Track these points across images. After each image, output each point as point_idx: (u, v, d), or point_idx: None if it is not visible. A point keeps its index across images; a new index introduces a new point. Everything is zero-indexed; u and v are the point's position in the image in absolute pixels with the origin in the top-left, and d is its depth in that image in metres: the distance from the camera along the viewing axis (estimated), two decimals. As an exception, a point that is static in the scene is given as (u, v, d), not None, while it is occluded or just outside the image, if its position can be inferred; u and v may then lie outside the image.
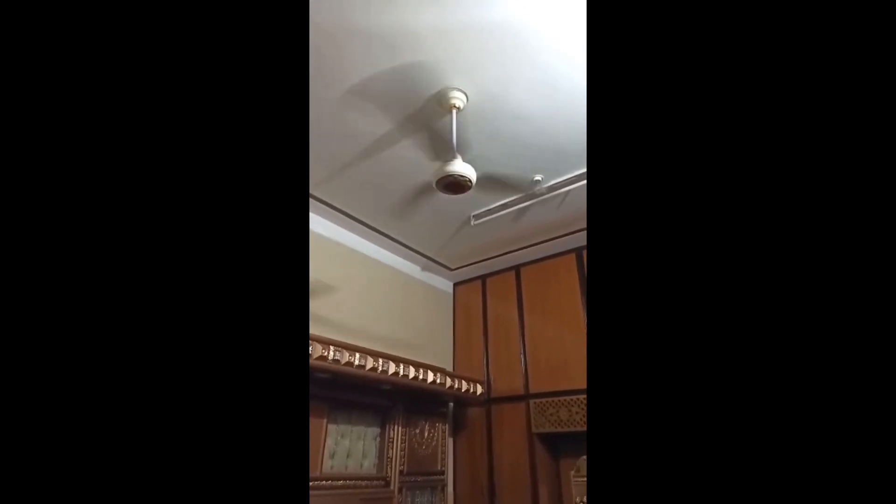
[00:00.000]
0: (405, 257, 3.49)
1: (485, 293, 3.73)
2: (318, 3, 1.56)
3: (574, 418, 2.83)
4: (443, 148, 2.27)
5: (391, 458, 2.70)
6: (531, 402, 3.07)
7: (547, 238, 3.25)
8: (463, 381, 3.05)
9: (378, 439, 2.75)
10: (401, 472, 2.71)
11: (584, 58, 1.77)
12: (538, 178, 2.54)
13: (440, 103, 1.98)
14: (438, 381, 2.81)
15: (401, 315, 3.36)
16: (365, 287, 3.14)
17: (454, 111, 1.98)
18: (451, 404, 3.32)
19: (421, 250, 3.46)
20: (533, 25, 1.65)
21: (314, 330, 2.43)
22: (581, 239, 3.19)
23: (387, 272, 3.38)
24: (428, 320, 3.60)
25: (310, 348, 2.13)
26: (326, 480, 2.35)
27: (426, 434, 2.99)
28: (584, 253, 3.25)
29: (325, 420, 2.44)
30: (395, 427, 2.79)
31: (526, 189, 2.65)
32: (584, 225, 3.06)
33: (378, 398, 2.72)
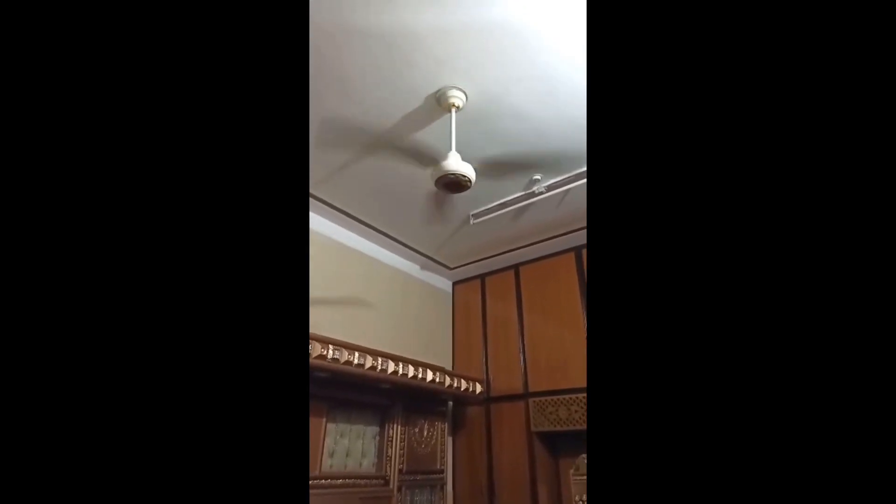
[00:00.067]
0: (404, 256, 3.49)
1: (484, 292, 3.73)
2: (318, 3, 1.55)
3: (573, 417, 2.83)
4: (442, 147, 2.27)
5: (390, 457, 2.71)
6: (530, 400, 3.07)
7: (546, 237, 3.26)
8: (462, 380, 3.05)
9: (377, 438, 2.75)
10: (400, 471, 2.71)
11: (583, 57, 1.77)
12: (537, 177, 2.54)
13: (439, 102, 1.98)
14: (438, 379, 2.82)
15: (400, 314, 3.37)
16: (364, 286, 3.14)
17: (453, 110, 1.98)
18: (451, 403, 3.32)
19: (420, 249, 3.46)
20: (533, 25, 1.65)
21: (313, 329, 2.43)
22: (580, 238, 3.19)
23: (386, 271, 3.38)
24: (427, 319, 3.60)
25: (309, 347, 2.13)
26: (326, 479, 2.35)
27: (425, 433, 2.99)
28: (583, 252, 3.25)
29: (324, 419, 2.44)
30: (395, 426, 2.79)
31: (525, 188, 2.66)
32: (583, 224, 3.06)
33: (377, 397, 2.72)
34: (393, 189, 2.68)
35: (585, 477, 2.69)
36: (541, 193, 2.65)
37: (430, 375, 2.77)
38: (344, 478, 2.45)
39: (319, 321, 2.65)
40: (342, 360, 2.27)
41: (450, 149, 1.96)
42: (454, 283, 3.96)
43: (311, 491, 2.20)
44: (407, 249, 3.40)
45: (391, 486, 2.65)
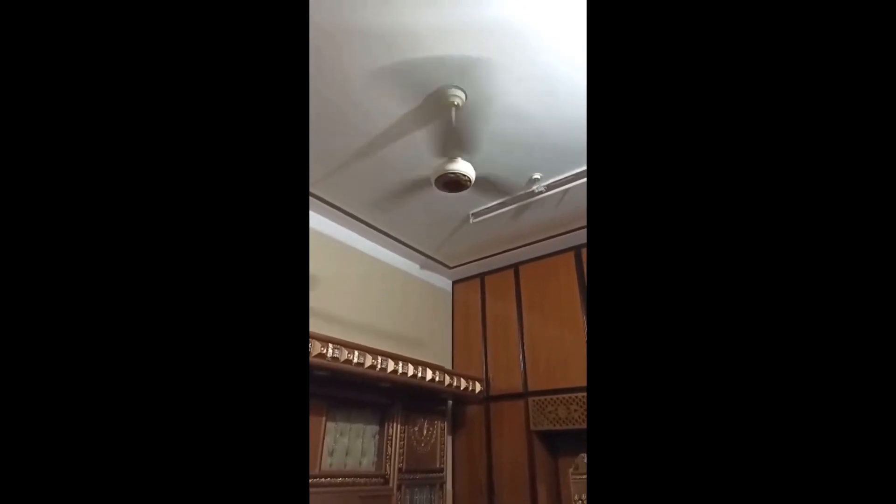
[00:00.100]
0: (404, 255, 3.50)
1: (483, 291, 3.73)
2: (318, 3, 1.55)
3: (572, 416, 2.84)
4: (442, 146, 2.27)
5: (390, 456, 2.71)
6: (530, 399, 3.07)
7: (545, 236, 3.26)
8: (462, 379, 3.06)
9: (377, 437, 2.76)
10: (400, 470, 2.72)
11: (583, 57, 1.77)
12: (537, 176, 2.54)
13: (439, 101, 1.98)
14: (437, 378, 2.82)
15: (400, 313, 3.37)
16: (364, 285, 3.14)
17: (453, 109, 1.98)
18: (450, 402, 3.33)
19: (420, 248, 3.46)
20: (532, 25, 1.65)
21: (313, 327, 2.43)
22: (579, 237, 3.19)
23: (386, 270, 3.38)
24: (427, 318, 3.61)
25: (309, 346, 2.14)
26: (325, 478, 2.35)
27: (425, 432, 3.00)
28: (583, 251, 3.26)
29: (323, 418, 2.44)
30: (394, 425, 2.79)
31: (524, 187, 2.66)
32: (583, 223, 3.06)
33: (377, 396, 2.72)
34: (392, 188, 2.68)
35: (584, 476, 2.70)
36: (540, 193, 2.65)
37: (429, 374, 2.77)
38: (344, 476, 2.45)
39: (319, 320, 2.65)
40: (342, 359, 2.27)
41: (449, 148, 1.97)
42: (454, 282, 3.96)
43: (310, 490, 2.21)
44: (407, 248, 3.41)
45: (391, 485, 2.65)
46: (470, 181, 1.96)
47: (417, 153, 2.36)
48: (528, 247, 3.39)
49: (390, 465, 2.69)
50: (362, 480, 2.54)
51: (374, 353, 2.47)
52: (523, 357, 3.28)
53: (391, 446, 2.73)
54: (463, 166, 1.92)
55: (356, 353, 2.36)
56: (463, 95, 1.95)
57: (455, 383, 2.99)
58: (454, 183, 1.97)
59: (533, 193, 2.67)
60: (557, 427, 2.88)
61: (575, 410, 2.84)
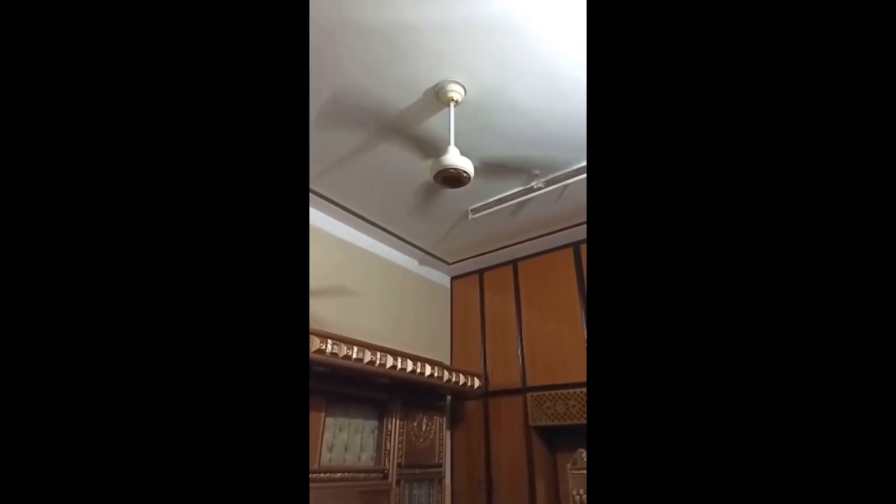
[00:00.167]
0: (403, 251, 3.49)
1: (482, 287, 3.73)
2: (316, 0, 1.55)
3: (571, 411, 2.84)
4: (441, 141, 2.26)
5: (389, 451, 2.72)
6: (528, 395, 3.08)
7: (544, 232, 3.26)
8: (460, 375, 3.06)
9: (376, 432, 2.76)
10: (398, 465, 2.72)
11: (582, 52, 1.77)
12: (536, 171, 2.54)
13: (438, 97, 1.98)
14: (436, 374, 2.82)
15: (398, 309, 3.37)
16: (362, 281, 3.14)
17: (452, 105, 1.97)
18: (449, 397, 3.33)
19: (418, 244, 3.46)
20: (532, 20, 1.64)
21: (312, 324, 2.43)
22: (578, 233, 3.19)
23: (384, 266, 3.38)
24: (425, 314, 3.61)
25: (309, 342, 2.14)
26: (325, 473, 2.36)
27: (424, 427, 3.00)
28: (582, 247, 3.26)
29: (323, 413, 2.44)
30: (393, 420, 2.80)
31: (524, 183, 2.66)
32: (582, 219, 3.07)
33: (376, 391, 2.73)
34: (391, 184, 2.68)
35: (583, 471, 2.71)
36: (539, 188, 2.65)
37: (428, 370, 2.77)
38: (343, 472, 2.46)
39: (318, 316, 2.65)
40: (341, 355, 2.27)
41: (448, 143, 1.96)
42: (452, 278, 3.96)
43: (310, 485, 2.21)
44: (405, 244, 3.40)
45: (390, 480, 2.66)
46: (469, 177, 1.96)
47: (416, 149, 2.35)
48: (526, 243, 3.39)
49: (389, 461, 2.70)
50: (361, 475, 2.54)
51: (374, 348, 2.47)
52: (522, 353, 3.29)
53: (390, 441, 2.74)
54: (462, 162, 1.92)
55: (355, 348, 2.36)
56: (462, 90, 1.95)
57: (454, 379, 2.99)
58: (453, 178, 1.96)
59: (532, 189, 2.67)
60: (556, 422, 2.89)
61: (573, 406, 2.85)
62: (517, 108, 2.08)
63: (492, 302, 3.63)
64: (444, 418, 3.21)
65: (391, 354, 2.56)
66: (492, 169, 2.51)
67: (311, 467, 2.28)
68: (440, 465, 3.04)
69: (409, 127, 2.20)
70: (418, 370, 2.71)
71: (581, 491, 2.68)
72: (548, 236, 3.27)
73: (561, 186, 2.63)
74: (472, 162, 2.00)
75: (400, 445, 2.78)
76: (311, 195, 2.74)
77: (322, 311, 2.72)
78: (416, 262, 3.65)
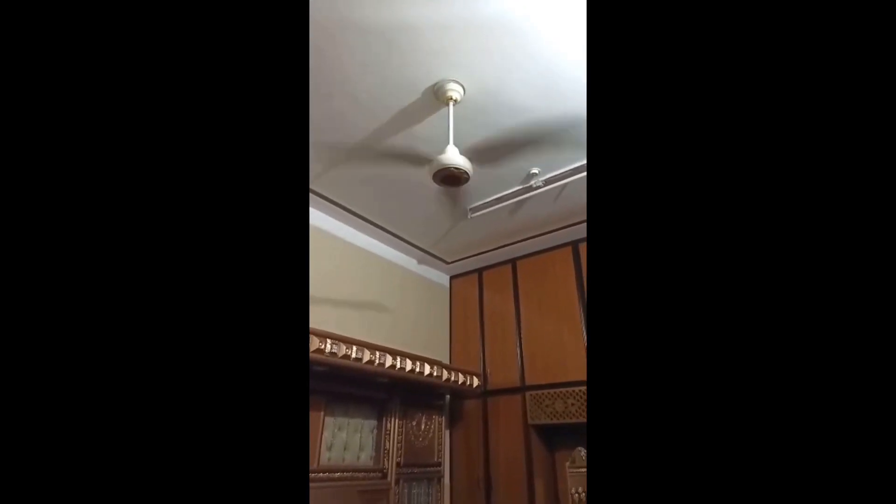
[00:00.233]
0: (401, 250, 3.49)
1: (481, 286, 3.74)
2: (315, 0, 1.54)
3: (570, 410, 2.85)
4: (440, 140, 2.26)
5: (388, 451, 2.72)
6: (527, 394, 3.08)
7: (543, 231, 3.26)
8: (459, 374, 3.06)
9: (375, 432, 2.76)
10: (398, 464, 2.72)
11: (581, 51, 1.77)
12: (535, 170, 2.54)
13: (437, 96, 1.98)
14: (435, 373, 2.82)
15: (397, 308, 3.37)
16: (361, 280, 3.14)
17: (451, 103, 1.97)
18: (448, 397, 3.33)
19: (417, 243, 3.46)
20: (531, 19, 1.64)
21: (311, 323, 2.43)
22: (577, 232, 3.20)
23: (383, 265, 3.38)
24: (425, 313, 3.61)
25: (309, 341, 2.13)
26: (324, 472, 2.36)
27: (423, 426, 3.00)
28: (581, 246, 3.26)
29: (322, 413, 2.44)
30: (392, 419, 2.80)
31: (523, 182, 2.65)
32: (581, 218, 3.07)
33: (375, 391, 2.72)
34: (390, 183, 2.68)
35: (581, 469, 2.72)
36: (538, 187, 2.65)
37: (427, 369, 2.77)
38: (342, 471, 2.46)
39: (317, 316, 2.65)
40: (340, 354, 2.27)
41: (448, 142, 1.96)
42: (451, 278, 3.96)
43: (309, 484, 2.21)
44: (404, 244, 3.40)
45: (389, 479, 2.66)
46: (468, 176, 1.95)
47: (415, 148, 2.35)
48: (525, 241, 3.39)
49: (388, 460, 2.70)
50: (360, 475, 2.54)
51: (373, 348, 2.47)
52: (521, 352, 3.29)
53: (389, 441, 2.74)
54: (461, 161, 1.91)
55: (354, 348, 2.36)
56: (461, 89, 1.94)
57: (453, 378, 2.99)
58: (452, 178, 1.96)
59: (531, 188, 2.67)
60: (554, 421, 2.89)
61: (572, 404, 2.85)
62: (516, 108, 2.08)
63: (491, 301, 3.63)
64: (443, 417, 3.21)
65: (390, 354, 2.56)
66: (491, 168, 2.51)
67: (310, 467, 2.28)
68: (439, 464, 3.04)
69: (409, 126, 2.20)
70: (417, 369, 2.71)
71: (580, 489, 2.69)
72: (547, 235, 3.27)
73: (560, 185, 2.63)
74: (471, 161, 2.00)
75: (399, 445, 2.78)
76: (311, 195, 2.74)
77: (322, 311, 2.72)
78: (415, 261, 3.65)
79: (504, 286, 3.58)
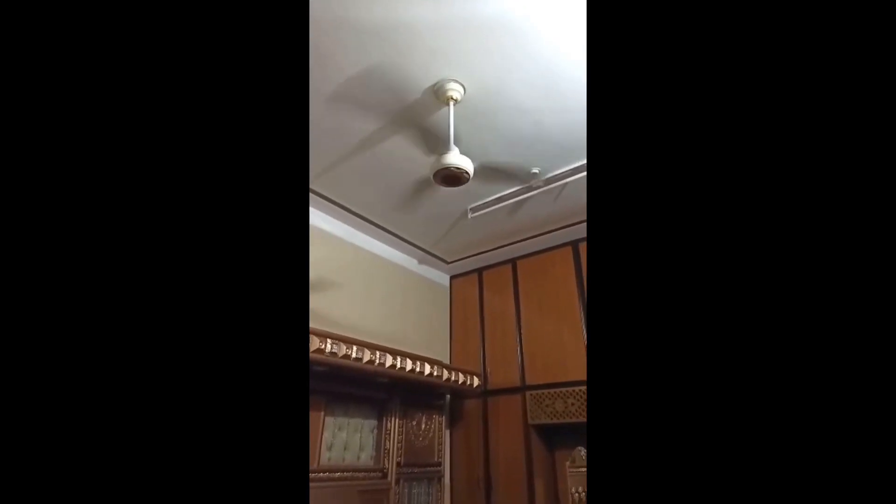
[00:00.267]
0: (402, 250, 3.49)
1: (481, 286, 3.74)
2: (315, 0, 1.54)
3: (569, 410, 2.85)
4: (440, 140, 2.26)
5: (388, 450, 2.72)
6: (527, 393, 3.09)
7: (543, 231, 3.26)
8: (459, 374, 3.06)
9: (375, 431, 2.76)
10: (398, 464, 2.72)
11: (581, 51, 1.77)
12: (535, 170, 2.54)
13: (437, 95, 1.97)
14: (435, 373, 2.82)
15: (398, 308, 3.37)
16: (361, 280, 3.14)
17: (451, 103, 1.97)
18: (448, 396, 3.33)
19: (418, 243, 3.46)
20: (531, 18, 1.64)
21: (312, 323, 2.43)
22: (577, 232, 3.19)
23: (383, 265, 3.38)
24: (425, 313, 3.61)
25: (309, 341, 2.13)
26: (324, 472, 2.36)
27: (423, 426, 3.00)
28: (581, 245, 3.26)
29: (322, 413, 2.44)
30: (392, 419, 2.80)
31: (523, 182, 2.65)
32: (581, 218, 3.07)
33: (375, 391, 2.72)
34: (391, 183, 2.68)
35: (581, 469, 2.72)
36: (539, 187, 2.65)
37: (427, 369, 2.77)
38: (342, 471, 2.46)
39: (318, 315, 2.65)
40: (340, 354, 2.27)
41: (448, 142, 1.96)
42: (452, 277, 3.96)
43: (309, 484, 2.21)
44: (404, 244, 3.40)
45: (389, 479, 2.66)
46: (468, 175, 1.95)
47: (415, 148, 2.35)
48: (525, 241, 3.39)
49: (388, 460, 2.70)
50: (361, 475, 2.54)
51: (373, 348, 2.47)
52: (521, 351, 3.29)
53: (389, 441, 2.74)
54: (461, 161, 1.91)
55: (354, 348, 2.36)
56: (461, 89, 1.94)
57: (453, 378, 2.99)
58: (453, 177, 1.96)
59: (531, 188, 2.67)
60: (554, 420, 2.89)
61: (572, 404, 2.85)
62: (517, 107, 2.08)
63: (491, 300, 3.63)
64: (444, 417, 3.21)
65: (390, 353, 2.56)
66: (491, 168, 2.51)
67: (310, 467, 2.28)
68: (439, 464, 3.04)
69: (409, 126, 2.20)
70: (417, 369, 2.71)
71: (580, 489, 2.69)
72: (547, 235, 3.27)
73: (560, 185, 2.63)
74: (472, 161, 2.00)
75: (399, 444, 2.78)
76: (311, 195, 2.74)
77: (321, 311, 2.72)
78: (415, 261, 3.65)
79: (504, 286, 3.58)
